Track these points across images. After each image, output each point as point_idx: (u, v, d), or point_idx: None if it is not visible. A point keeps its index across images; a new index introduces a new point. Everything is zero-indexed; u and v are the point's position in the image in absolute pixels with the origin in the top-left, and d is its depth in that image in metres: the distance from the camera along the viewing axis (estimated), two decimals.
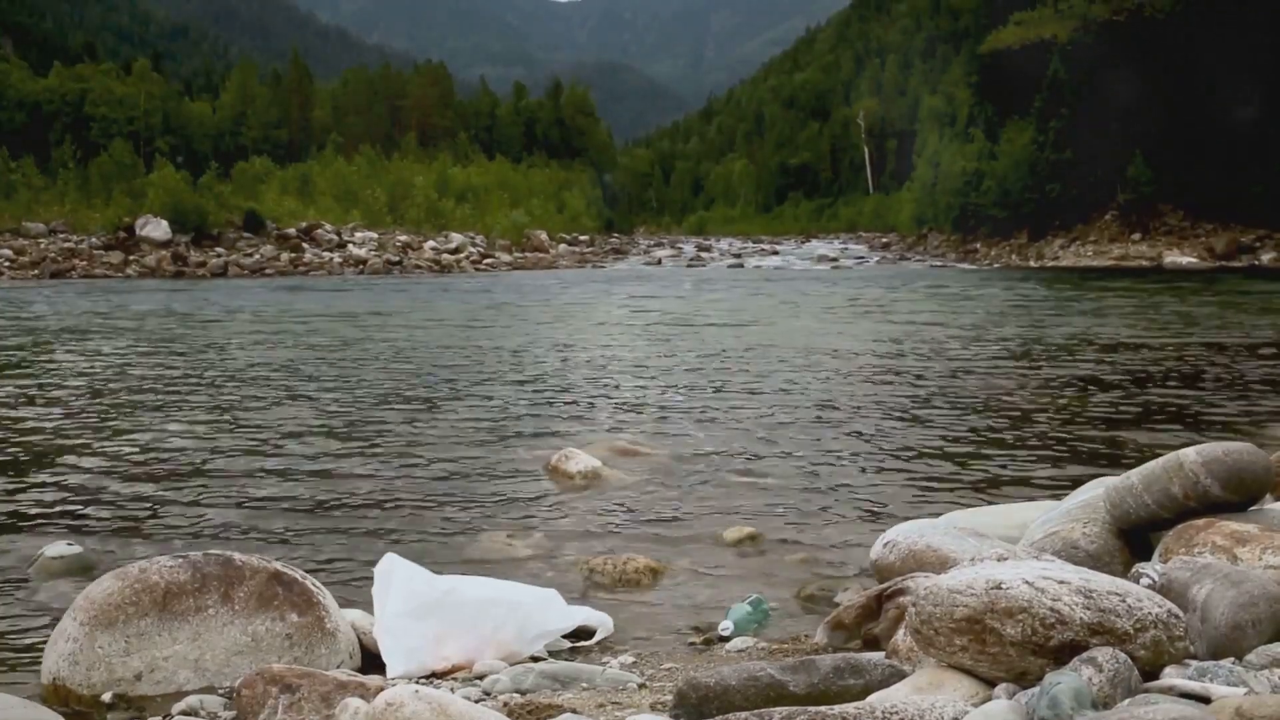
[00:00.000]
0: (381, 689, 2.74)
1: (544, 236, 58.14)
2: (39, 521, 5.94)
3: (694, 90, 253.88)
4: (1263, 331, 15.94)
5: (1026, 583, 2.56)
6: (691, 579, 4.96)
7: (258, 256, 42.28)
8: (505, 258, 50.15)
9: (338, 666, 3.61)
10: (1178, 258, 43.10)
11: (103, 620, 3.55)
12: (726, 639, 4.01)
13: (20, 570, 5.03)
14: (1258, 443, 3.71)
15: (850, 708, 2.37)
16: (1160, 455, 3.68)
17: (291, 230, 46.55)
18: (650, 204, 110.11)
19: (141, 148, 65.04)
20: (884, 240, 67.43)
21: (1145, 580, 2.88)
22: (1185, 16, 45.81)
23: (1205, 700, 2.24)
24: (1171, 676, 2.43)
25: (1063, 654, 2.46)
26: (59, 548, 5.15)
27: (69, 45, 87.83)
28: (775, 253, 59.87)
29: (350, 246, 46.26)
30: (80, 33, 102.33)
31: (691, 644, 4.06)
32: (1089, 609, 2.50)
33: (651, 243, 72.02)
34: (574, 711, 2.91)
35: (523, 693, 3.31)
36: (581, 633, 4.10)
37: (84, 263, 40.22)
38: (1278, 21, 42.81)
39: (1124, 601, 2.54)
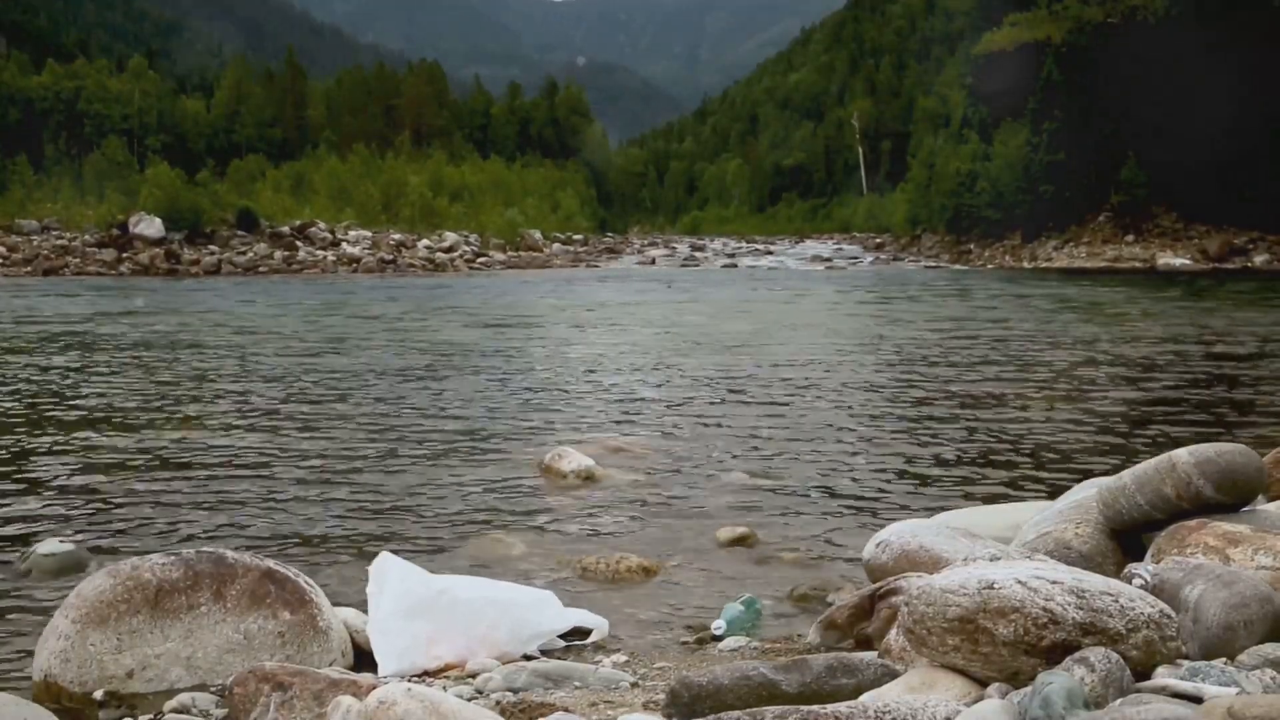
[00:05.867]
0: (374, 687, 2.74)
1: (538, 236, 58.14)
2: (31, 519, 5.92)
3: (689, 91, 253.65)
4: (1256, 333, 15.98)
5: (1019, 583, 2.56)
6: (684, 578, 4.96)
7: (251, 255, 42.20)
8: (499, 257, 50.13)
9: (330, 665, 3.61)
10: (1171, 259, 43.19)
11: (95, 618, 3.54)
12: (719, 638, 4.01)
13: (12, 568, 5.01)
14: (1250, 444, 3.71)
15: (843, 707, 2.38)
16: (1153, 456, 3.69)
17: (285, 229, 46.47)
18: (644, 204, 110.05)
19: (135, 145, 64.93)
20: (878, 241, 67.43)
21: (1138, 581, 2.88)
22: (1178, 19, 45.90)
23: (1197, 700, 2.24)
24: (1164, 676, 2.43)
25: (1055, 654, 2.46)
26: (51, 545, 5.13)
27: (63, 42, 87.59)
28: (769, 253, 59.90)
29: (344, 245, 46.20)
30: (74, 29, 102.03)
31: (684, 643, 4.06)
32: (1081, 609, 2.51)
33: (646, 242, 71.92)
34: (566, 710, 2.91)
35: (515, 691, 3.31)
36: (577, 633, 4.10)
37: (77, 260, 40.11)
38: (1270, 24, 42.89)
39: (1116, 602, 2.55)
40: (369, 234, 49.08)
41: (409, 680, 3.48)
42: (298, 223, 48.05)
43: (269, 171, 65.09)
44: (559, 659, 3.80)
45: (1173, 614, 2.63)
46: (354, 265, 42.90)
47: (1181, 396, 10.25)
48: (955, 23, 76.12)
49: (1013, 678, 2.49)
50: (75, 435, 8.43)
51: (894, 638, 3.02)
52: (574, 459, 7.00)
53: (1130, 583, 2.84)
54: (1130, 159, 47.12)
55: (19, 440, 8.27)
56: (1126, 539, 3.73)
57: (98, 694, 3.46)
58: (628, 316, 21.24)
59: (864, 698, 2.54)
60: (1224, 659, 2.55)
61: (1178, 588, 2.82)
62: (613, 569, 4.99)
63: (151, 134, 70.59)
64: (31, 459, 7.55)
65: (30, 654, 3.73)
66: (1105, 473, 5.13)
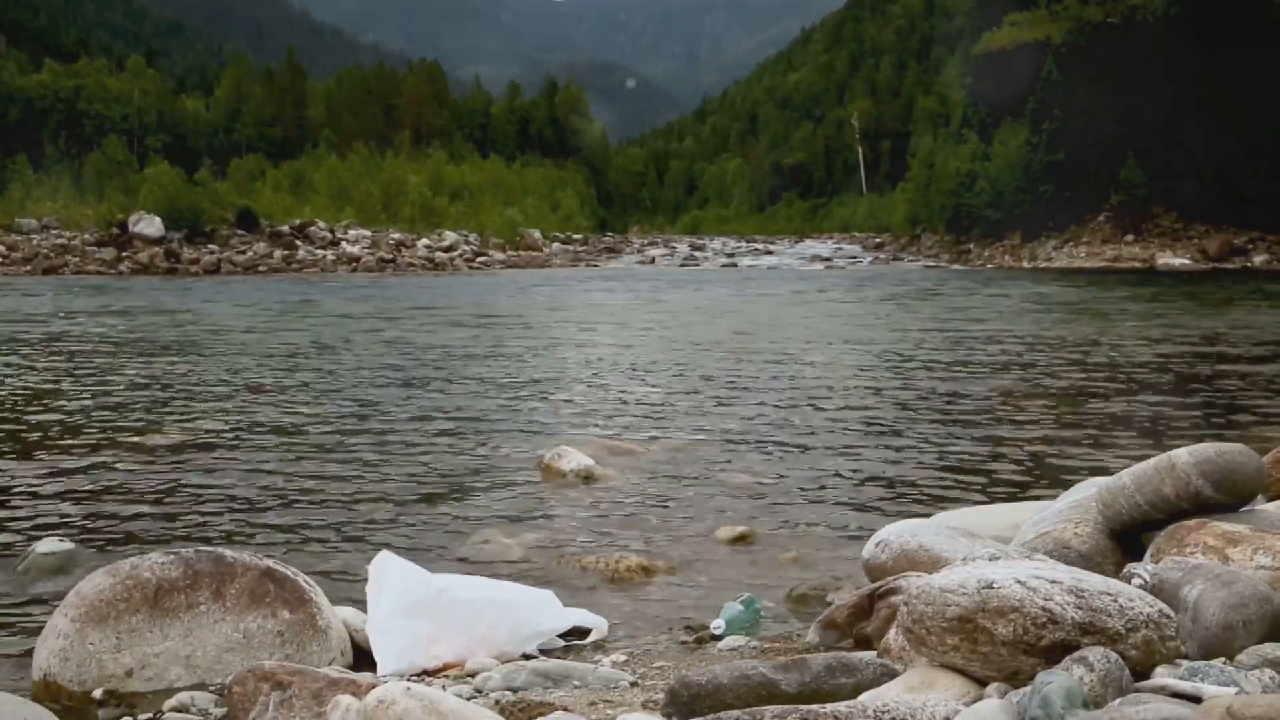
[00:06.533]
0: (373, 686, 2.74)
1: (537, 235, 58.15)
2: (31, 518, 5.92)
3: (689, 91, 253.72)
4: (1255, 333, 15.98)
5: (1018, 582, 2.56)
6: (684, 578, 4.96)
7: (251, 254, 42.20)
8: (499, 256, 50.16)
9: (329, 664, 3.60)
10: (1170, 259, 43.19)
11: (94, 617, 3.54)
12: (718, 638, 4.01)
13: (12, 567, 5.01)
14: (1249, 444, 3.71)
15: (842, 706, 2.38)
16: (1152, 456, 3.69)
17: (285, 228, 46.50)
18: (644, 203, 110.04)
19: (135, 144, 64.93)
20: (877, 241, 67.46)
21: (1137, 580, 2.88)
22: (1178, 19, 45.91)
23: (1196, 700, 2.24)
24: (1163, 676, 2.44)
25: (1054, 653, 2.46)
26: (50, 544, 5.13)
27: (63, 42, 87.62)
28: (769, 253, 59.91)
29: (344, 244, 46.22)
30: (74, 29, 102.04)
31: (683, 643, 4.05)
32: (1080, 609, 2.51)
33: (645, 242, 71.93)
34: (566, 709, 2.90)
35: (514, 690, 3.31)
36: (576, 632, 4.10)
37: (76, 259, 40.13)
38: (1270, 23, 42.90)
39: (1115, 601, 2.55)
40: (368, 233, 49.10)
41: (408, 679, 3.48)
42: (297, 222, 48.07)
43: (269, 171, 65.11)
44: (558, 658, 3.80)
45: (1172, 614, 2.63)
46: (353, 264, 42.90)
47: (1181, 396, 10.25)
48: (955, 22, 76.08)
49: (1012, 677, 2.49)
50: (73, 434, 8.42)
51: (893, 637, 3.02)
52: (573, 458, 7.00)
53: (1129, 582, 2.84)
54: (1130, 159, 47.12)
55: (17, 439, 8.27)
56: (1126, 539, 3.72)
57: (97, 693, 3.46)
58: (627, 316, 21.24)
59: (863, 697, 2.54)
60: (1223, 659, 2.55)
61: (1177, 587, 2.82)
62: (612, 568, 4.99)
63: (151, 133, 70.60)
64: (30, 458, 7.54)
65: (30, 653, 3.73)
66: (1104, 472, 5.13)
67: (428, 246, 48.37)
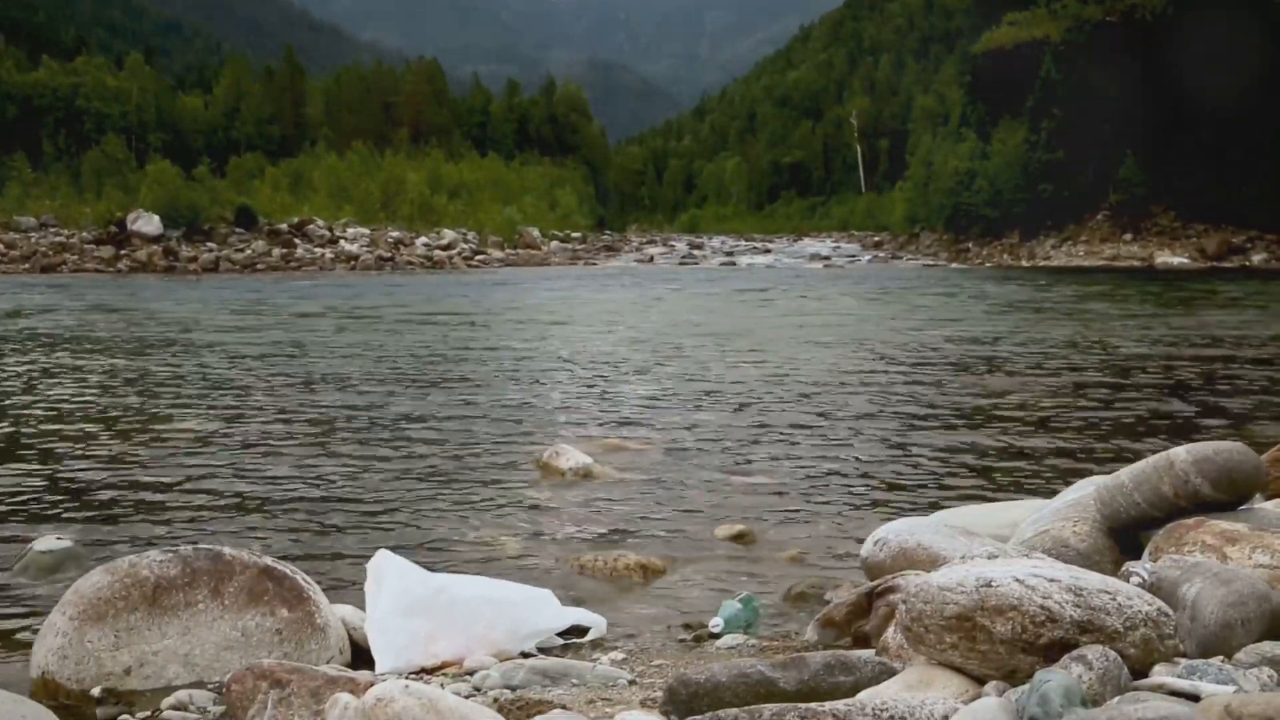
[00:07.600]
0: (371, 685, 2.74)
1: (536, 234, 58.06)
2: (28, 516, 5.92)
3: (688, 89, 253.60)
4: (1254, 332, 15.98)
5: (1017, 581, 2.57)
6: (682, 576, 4.96)
7: (249, 252, 42.15)
8: (497, 254, 50.11)
9: (328, 662, 3.61)
10: (1169, 258, 43.18)
11: (92, 615, 3.54)
12: (717, 636, 4.01)
13: (9, 564, 5.01)
14: (1248, 442, 3.71)
15: (840, 705, 2.38)
16: (1151, 454, 3.69)
17: (283, 226, 46.44)
18: (643, 202, 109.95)
19: (134, 142, 64.84)
20: (876, 239, 67.40)
21: (1135, 579, 2.88)
22: (1177, 17, 45.89)
23: (1195, 698, 2.24)
24: (1161, 674, 2.44)
25: (1052, 652, 2.47)
26: (48, 542, 5.12)
27: (61, 39, 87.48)
28: (768, 251, 59.82)
29: (342, 242, 46.15)
30: (73, 27, 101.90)
31: (682, 641, 4.06)
32: (1079, 607, 2.51)
33: (644, 240, 71.87)
34: (564, 708, 2.90)
35: (513, 689, 3.31)
36: (575, 630, 4.10)
37: (75, 257, 40.06)
38: (1269, 23, 42.89)
39: (1114, 600, 2.55)
40: (367, 231, 49.04)
41: (406, 677, 3.48)
42: (296, 220, 48.00)
43: (267, 169, 65.02)
44: (557, 657, 3.80)
45: (1170, 612, 2.63)
46: (352, 263, 42.85)
47: (1179, 395, 10.26)
48: (954, 21, 76.10)
49: (1010, 676, 2.50)
50: (70, 432, 8.42)
51: (892, 635, 3.02)
52: (572, 457, 7.00)
53: (1128, 581, 2.84)
54: (1129, 158, 47.11)
55: (14, 438, 8.27)
56: (1124, 537, 3.73)
57: (95, 691, 3.46)
58: (625, 314, 21.23)
59: (862, 695, 2.54)
60: (1221, 657, 2.55)
61: (1175, 586, 2.82)
62: (610, 567, 4.99)
63: (150, 131, 70.46)
64: (27, 456, 7.54)
65: (28, 651, 3.73)
66: (1103, 471, 5.13)
67: (426, 245, 48.33)
